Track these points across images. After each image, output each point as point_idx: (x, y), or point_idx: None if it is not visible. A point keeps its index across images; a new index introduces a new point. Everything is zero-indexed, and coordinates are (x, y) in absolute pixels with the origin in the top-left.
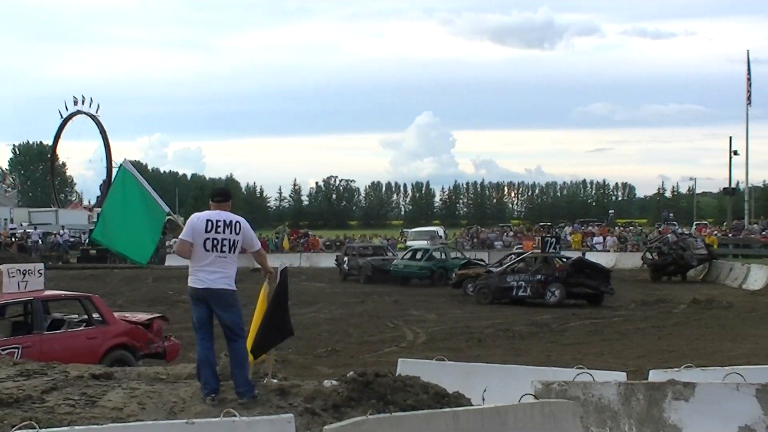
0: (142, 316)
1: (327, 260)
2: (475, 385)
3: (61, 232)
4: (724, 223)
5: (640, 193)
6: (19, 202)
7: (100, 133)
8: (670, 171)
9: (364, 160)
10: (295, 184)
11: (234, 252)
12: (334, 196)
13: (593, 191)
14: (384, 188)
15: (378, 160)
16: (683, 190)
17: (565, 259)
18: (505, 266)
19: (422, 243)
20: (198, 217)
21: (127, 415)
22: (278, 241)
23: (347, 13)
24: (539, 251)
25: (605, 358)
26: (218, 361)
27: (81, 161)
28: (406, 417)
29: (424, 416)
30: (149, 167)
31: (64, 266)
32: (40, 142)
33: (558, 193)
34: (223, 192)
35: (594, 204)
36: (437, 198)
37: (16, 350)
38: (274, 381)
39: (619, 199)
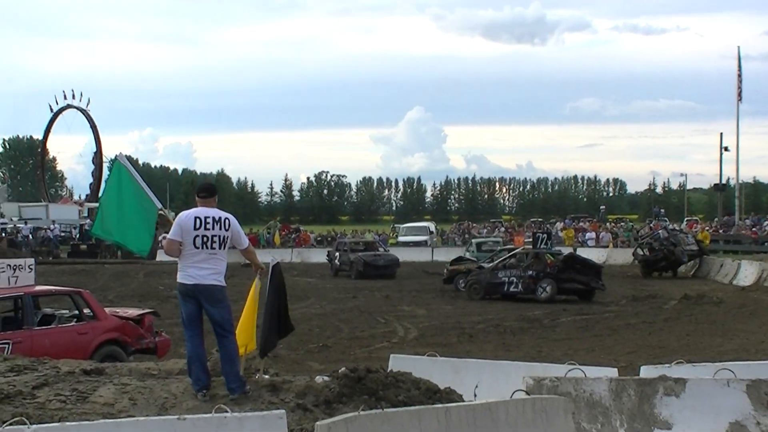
0: (133, 312)
1: (318, 255)
2: (466, 381)
3: (52, 227)
4: (715, 219)
5: (631, 188)
6: (9, 197)
7: (91, 127)
8: (661, 167)
9: (355, 156)
10: (286, 180)
11: (224, 248)
12: (325, 191)
13: (584, 187)
14: (375, 183)
15: (369, 156)
16: (674, 186)
17: (556, 255)
18: (496, 262)
19: (417, 238)
20: (186, 216)
21: (119, 411)
22: (269, 237)
23: (338, 8)
24: (530, 247)
25: (596, 353)
26: (209, 357)
27: (71, 156)
28: (398, 413)
29: (416, 412)
30: (140, 161)
31: (55, 261)
32: (30, 137)
33: (549, 189)
34: (209, 188)
35: (585, 200)
36: (428, 193)
37: (7, 346)
38: (266, 377)
39: (610, 195)
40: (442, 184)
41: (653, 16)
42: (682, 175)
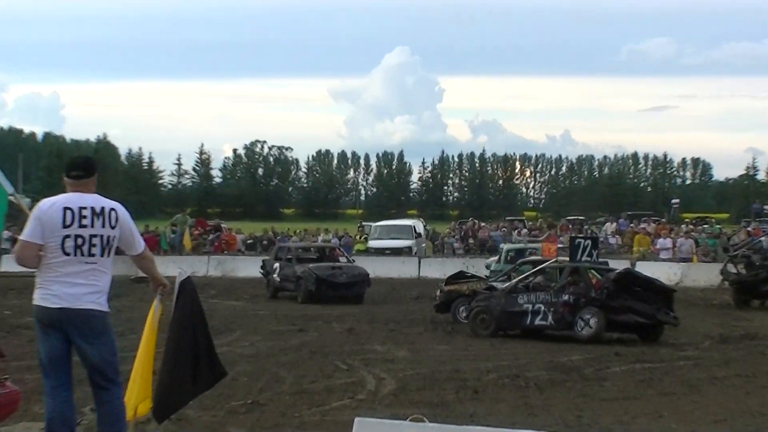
0: None
1: (248, 267)
2: None
3: None
4: None
5: (719, 173)
6: None
7: None
8: (765, 142)
9: (306, 119)
10: (202, 153)
11: (107, 255)
12: (260, 170)
13: (647, 170)
14: (335, 160)
15: (327, 119)
16: None
17: (605, 272)
18: (515, 281)
19: (397, 243)
20: (50, 205)
21: None
22: (175, 238)
23: None
24: (566, 259)
25: (665, 421)
26: (80, 420)
27: None
28: None
29: None
30: None
31: None
32: None
33: (595, 172)
34: (85, 163)
35: (648, 189)
36: (415, 177)
37: None
38: None
39: (687, 182)
40: (436, 163)
41: None
42: None
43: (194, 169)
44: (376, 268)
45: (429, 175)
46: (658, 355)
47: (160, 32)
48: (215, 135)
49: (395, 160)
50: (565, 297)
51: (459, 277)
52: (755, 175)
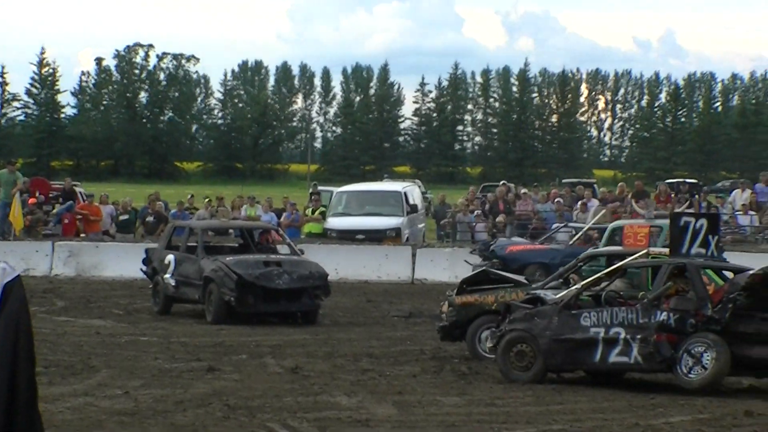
0: None
1: (121, 261)
2: None
3: None
4: None
5: None
6: None
7: None
8: None
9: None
10: (42, 65)
11: None
12: (143, 95)
13: None
14: (272, 79)
15: (257, 10)
16: None
17: (728, 273)
18: (575, 288)
19: (375, 222)
20: None
21: None
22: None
23: None
24: (664, 251)
25: None
26: None
27: None
28: None
29: None
30: None
31: None
32: None
33: (717, 103)
34: None
35: None
36: (408, 108)
37: None
38: None
39: None
40: (444, 85)
41: None
42: None
43: (29, 93)
44: (341, 265)
45: (432, 105)
46: None
47: None
48: (66, 34)
49: (374, 80)
50: (662, 317)
51: (481, 280)
52: None
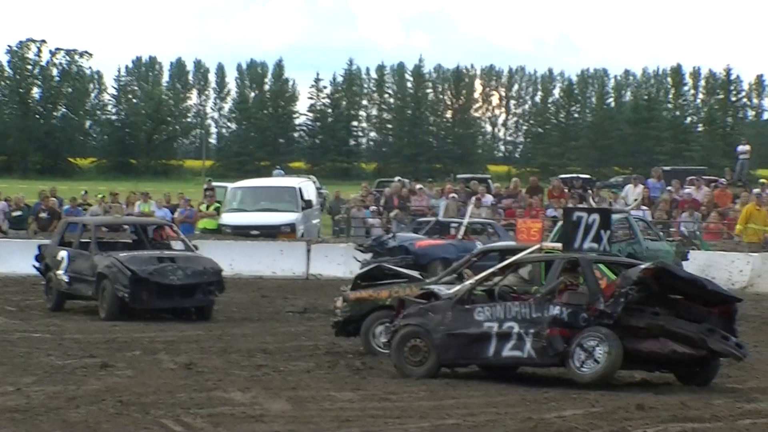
0: None
1: (13, 257)
2: None
3: None
4: None
5: None
6: None
7: None
8: None
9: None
10: None
11: None
12: (35, 91)
13: (697, 96)
14: (166, 75)
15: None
16: None
17: (621, 268)
18: (469, 282)
19: (269, 219)
20: None
21: None
22: None
23: None
24: (558, 245)
25: None
26: None
27: None
28: None
29: None
30: None
31: None
32: None
33: (610, 99)
34: None
35: (699, 128)
36: (303, 104)
37: None
38: None
39: (765, 116)
40: (339, 81)
41: None
42: None
43: None
44: (236, 261)
45: (327, 101)
46: (709, 408)
47: None
48: None
49: (269, 76)
50: (555, 311)
51: (375, 275)
52: None
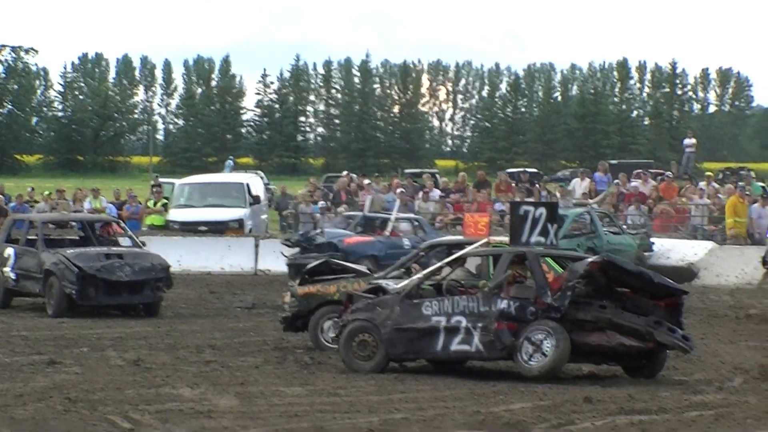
0: None
1: None
2: None
3: None
4: None
5: (763, 97)
6: None
7: None
8: None
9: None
10: None
11: None
12: None
13: (643, 90)
14: (112, 71)
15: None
16: None
17: (569, 261)
18: (417, 277)
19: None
20: None
21: None
22: None
23: None
24: (506, 239)
25: None
26: None
27: None
28: None
29: None
30: None
31: None
32: None
33: (556, 93)
34: None
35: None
36: (250, 100)
37: None
38: None
39: (710, 110)
40: (286, 77)
41: None
42: None
43: None
44: (184, 257)
45: (274, 97)
46: (656, 401)
47: None
48: None
49: (216, 72)
50: (503, 305)
51: (323, 270)
52: None
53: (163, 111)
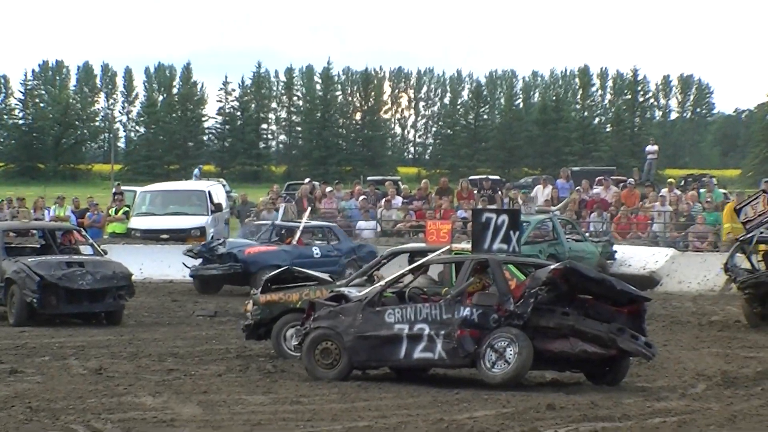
0: None
1: None
2: None
3: None
4: None
5: (724, 104)
6: None
7: None
8: None
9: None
10: None
11: None
12: None
13: (605, 96)
14: (73, 79)
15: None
16: None
17: (532, 268)
18: (380, 284)
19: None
20: None
21: None
22: None
23: None
24: (468, 246)
25: None
26: None
27: None
28: None
29: None
30: None
31: None
32: None
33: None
34: None
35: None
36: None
37: None
38: None
39: (672, 117)
40: (247, 84)
41: None
42: None
43: None
44: (145, 265)
45: (236, 104)
46: (619, 407)
47: None
48: None
49: (177, 79)
50: (465, 312)
51: (285, 278)
52: None
53: (124, 118)
